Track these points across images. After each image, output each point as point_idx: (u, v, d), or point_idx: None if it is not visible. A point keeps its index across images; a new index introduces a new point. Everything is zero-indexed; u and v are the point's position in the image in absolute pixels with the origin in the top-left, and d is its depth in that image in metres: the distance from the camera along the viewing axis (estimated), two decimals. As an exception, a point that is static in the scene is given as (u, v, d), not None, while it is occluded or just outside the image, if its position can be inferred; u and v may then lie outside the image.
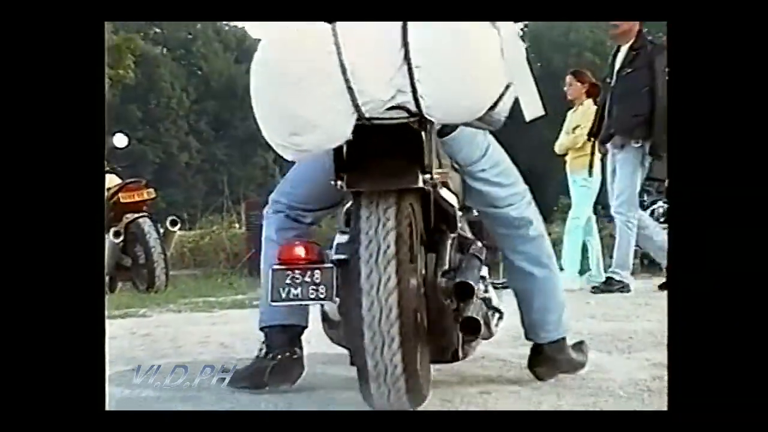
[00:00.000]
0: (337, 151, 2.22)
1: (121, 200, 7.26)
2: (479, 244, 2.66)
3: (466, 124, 2.35)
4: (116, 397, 2.70)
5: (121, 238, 7.24)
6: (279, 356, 2.73)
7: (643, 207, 9.02)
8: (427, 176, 2.22)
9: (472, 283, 2.36)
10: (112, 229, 7.10)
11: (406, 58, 2.08)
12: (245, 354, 3.20)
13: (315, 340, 2.94)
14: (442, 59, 2.10)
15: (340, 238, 2.34)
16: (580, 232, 6.95)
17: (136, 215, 7.32)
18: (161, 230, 7.52)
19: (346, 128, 2.13)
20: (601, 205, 6.93)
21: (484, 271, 2.63)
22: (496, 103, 2.16)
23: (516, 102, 2.21)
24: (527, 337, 2.86)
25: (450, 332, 2.45)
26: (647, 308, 4.87)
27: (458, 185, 2.62)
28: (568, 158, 7.11)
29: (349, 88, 2.08)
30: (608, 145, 6.20)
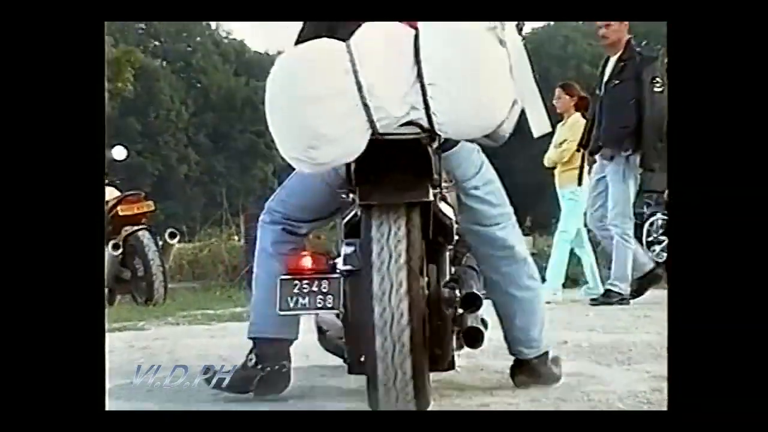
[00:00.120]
0: (349, 165, 2.28)
1: (120, 213, 7.26)
2: (470, 256, 2.73)
3: (472, 140, 2.39)
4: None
5: (120, 250, 7.23)
6: (268, 368, 2.78)
7: (642, 219, 9.06)
8: (437, 190, 2.31)
9: (479, 294, 2.43)
10: (111, 242, 7.10)
11: (419, 75, 2.16)
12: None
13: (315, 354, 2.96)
14: (454, 77, 2.17)
15: (347, 249, 2.38)
16: (568, 246, 7.00)
17: (135, 228, 7.32)
18: (160, 243, 7.52)
19: (361, 143, 2.20)
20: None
21: (481, 282, 2.69)
22: (503, 120, 2.23)
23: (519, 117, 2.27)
24: (511, 353, 2.94)
25: (448, 341, 2.49)
26: (646, 320, 4.87)
27: (454, 200, 2.67)
28: (556, 171, 7.16)
29: (365, 105, 2.16)
30: (597, 157, 6.22)
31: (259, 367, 2.77)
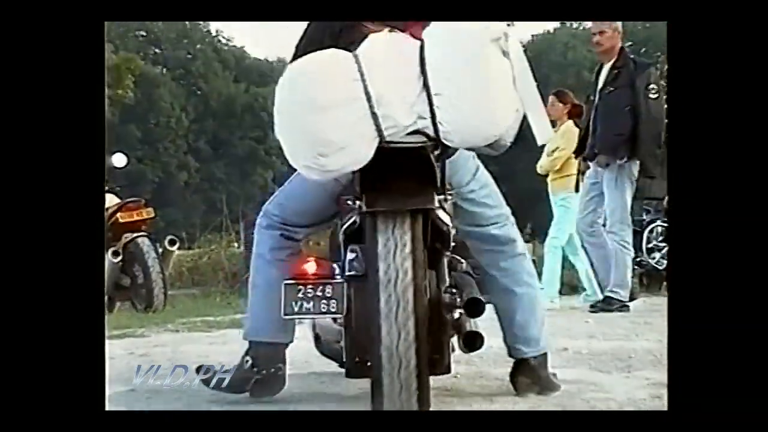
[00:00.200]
0: (355, 172, 2.32)
1: (120, 220, 7.26)
2: (465, 262, 2.75)
3: (472, 148, 2.46)
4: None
5: (120, 257, 7.23)
6: (264, 371, 2.83)
7: (642, 226, 9.07)
8: (441, 197, 2.36)
9: (482, 299, 2.44)
10: (111, 249, 7.10)
11: (425, 85, 2.21)
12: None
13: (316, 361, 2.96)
14: (460, 87, 2.21)
15: (350, 255, 2.42)
16: (559, 252, 7.02)
17: (135, 235, 7.32)
18: (160, 250, 7.52)
19: (369, 151, 2.23)
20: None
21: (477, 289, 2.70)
22: (506, 130, 2.28)
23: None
24: (510, 355, 2.96)
25: (446, 345, 2.51)
26: (646, 327, 4.86)
27: (450, 206, 2.69)
28: (549, 179, 7.17)
29: (373, 114, 2.20)
30: (591, 163, 6.23)
31: (255, 369, 2.83)
